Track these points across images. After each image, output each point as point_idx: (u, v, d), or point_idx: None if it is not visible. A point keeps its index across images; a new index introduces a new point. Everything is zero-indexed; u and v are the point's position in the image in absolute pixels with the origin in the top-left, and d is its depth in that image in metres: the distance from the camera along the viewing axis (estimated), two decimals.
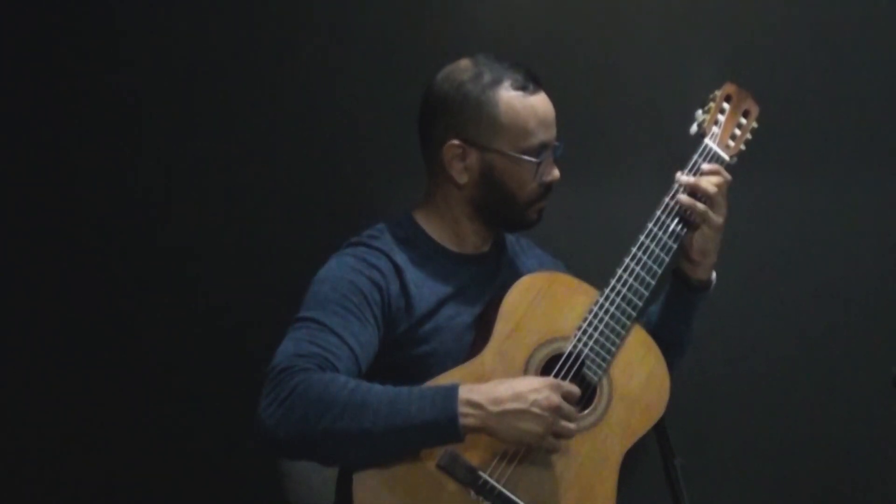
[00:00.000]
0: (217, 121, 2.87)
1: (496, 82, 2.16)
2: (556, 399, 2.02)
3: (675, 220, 2.20)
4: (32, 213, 2.88)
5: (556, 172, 2.22)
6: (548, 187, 2.22)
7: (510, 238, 2.36)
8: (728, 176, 2.23)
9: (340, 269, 2.13)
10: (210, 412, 2.86)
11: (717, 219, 2.20)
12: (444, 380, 2.05)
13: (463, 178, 2.19)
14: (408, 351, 2.13)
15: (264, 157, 2.87)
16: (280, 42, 2.86)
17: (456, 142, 2.17)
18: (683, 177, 2.21)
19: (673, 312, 2.31)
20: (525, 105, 2.17)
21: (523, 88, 2.17)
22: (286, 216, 2.87)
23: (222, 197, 2.87)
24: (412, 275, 2.16)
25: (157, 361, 2.89)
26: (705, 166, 2.22)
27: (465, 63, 2.21)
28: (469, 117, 2.16)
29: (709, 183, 2.19)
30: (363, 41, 2.85)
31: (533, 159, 2.17)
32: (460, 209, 2.23)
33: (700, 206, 2.18)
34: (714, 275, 2.31)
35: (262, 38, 2.86)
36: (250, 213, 2.87)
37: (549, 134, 2.19)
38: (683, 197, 2.19)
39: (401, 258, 2.17)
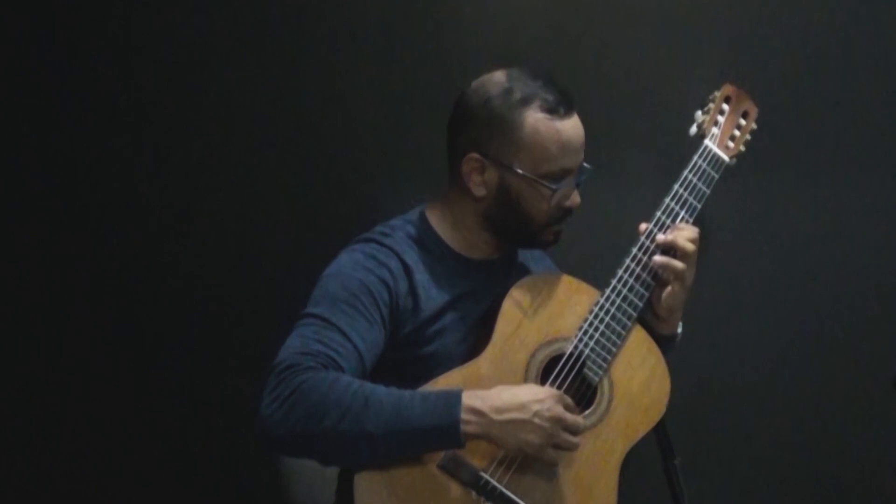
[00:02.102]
0: (222, 120, 2.87)
1: (524, 102, 2.11)
2: (558, 410, 2.01)
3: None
4: (32, 213, 2.87)
5: (576, 198, 2.17)
6: (566, 212, 2.17)
7: None
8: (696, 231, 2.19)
9: (350, 266, 2.12)
10: (211, 411, 2.86)
11: (690, 277, 2.18)
12: (445, 380, 2.05)
13: (480, 192, 2.16)
14: (412, 351, 2.12)
15: (270, 155, 2.87)
16: (284, 40, 2.86)
17: (476, 155, 2.14)
18: (680, 223, 2.18)
19: None
20: (550, 129, 2.11)
21: (552, 111, 2.11)
22: (292, 214, 2.87)
23: (228, 194, 2.87)
24: (421, 276, 2.15)
25: (159, 359, 2.89)
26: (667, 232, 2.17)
27: (498, 76, 2.16)
28: (491, 134, 2.12)
29: (685, 241, 2.15)
30: (369, 40, 2.85)
31: (550, 185, 2.12)
32: (474, 220, 2.20)
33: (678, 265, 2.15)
34: (680, 327, 2.27)
35: (267, 37, 2.86)
36: (255, 211, 2.87)
37: (573, 160, 2.14)
38: (657, 258, 2.15)
39: (411, 258, 2.15)
